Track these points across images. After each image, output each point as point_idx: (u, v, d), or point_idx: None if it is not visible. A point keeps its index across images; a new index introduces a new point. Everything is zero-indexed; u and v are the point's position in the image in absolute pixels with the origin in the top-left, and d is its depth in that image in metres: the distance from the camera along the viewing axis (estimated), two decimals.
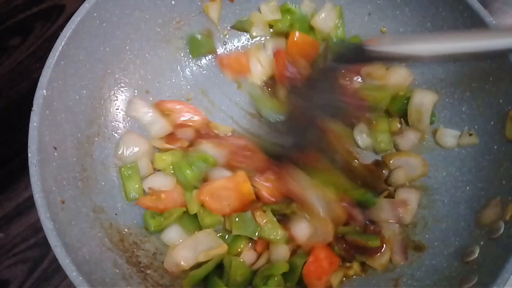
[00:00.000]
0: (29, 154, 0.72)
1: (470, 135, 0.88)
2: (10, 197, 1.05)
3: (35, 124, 0.74)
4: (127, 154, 0.91)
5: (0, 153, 1.08)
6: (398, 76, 0.96)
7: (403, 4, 0.96)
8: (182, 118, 0.98)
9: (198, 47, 1.03)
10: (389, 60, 0.86)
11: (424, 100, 0.93)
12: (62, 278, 0.99)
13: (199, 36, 1.02)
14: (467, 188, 0.88)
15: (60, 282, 0.99)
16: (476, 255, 0.77)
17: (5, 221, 1.03)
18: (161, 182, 0.91)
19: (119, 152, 0.91)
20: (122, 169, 0.90)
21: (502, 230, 0.75)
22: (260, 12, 1.03)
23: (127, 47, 0.94)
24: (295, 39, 1.00)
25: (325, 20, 1.01)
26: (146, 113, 0.95)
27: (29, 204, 1.04)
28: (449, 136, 0.93)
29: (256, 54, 1.02)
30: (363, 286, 0.86)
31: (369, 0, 0.99)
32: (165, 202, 0.90)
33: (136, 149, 0.92)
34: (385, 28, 1.00)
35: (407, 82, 0.97)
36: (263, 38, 1.06)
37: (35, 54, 1.08)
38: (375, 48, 0.76)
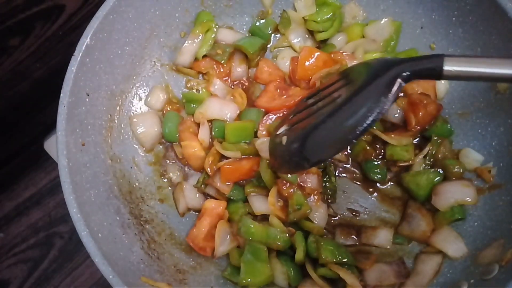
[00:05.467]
0: (61, 95, 0.78)
1: (489, 171, 0.85)
2: (10, 197, 1.06)
3: (72, 69, 0.80)
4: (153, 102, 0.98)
5: (0, 153, 1.09)
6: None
7: (458, 24, 0.92)
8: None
9: (263, 35, 1.04)
10: (465, 79, 0.73)
11: None
12: (62, 278, 1.01)
13: (258, 23, 1.03)
14: (475, 223, 0.85)
15: (60, 282, 1.01)
16: None
17: (5, 221, 1.05)
18: None
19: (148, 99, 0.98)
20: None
21: (495, 273, 0.73)
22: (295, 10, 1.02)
23: (177, 14, 0.99)
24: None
25: (380, 31, 1.00)
26: None
27: (29, 204, 1.06)
28: (472, 159, 0.90)
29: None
30: None
31: (424, 13, 0.97)
32: None
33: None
34: (434, 45, 0.97)
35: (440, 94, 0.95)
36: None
37: (35, 54, 1.03)
38: (455, 67, 0.67)
